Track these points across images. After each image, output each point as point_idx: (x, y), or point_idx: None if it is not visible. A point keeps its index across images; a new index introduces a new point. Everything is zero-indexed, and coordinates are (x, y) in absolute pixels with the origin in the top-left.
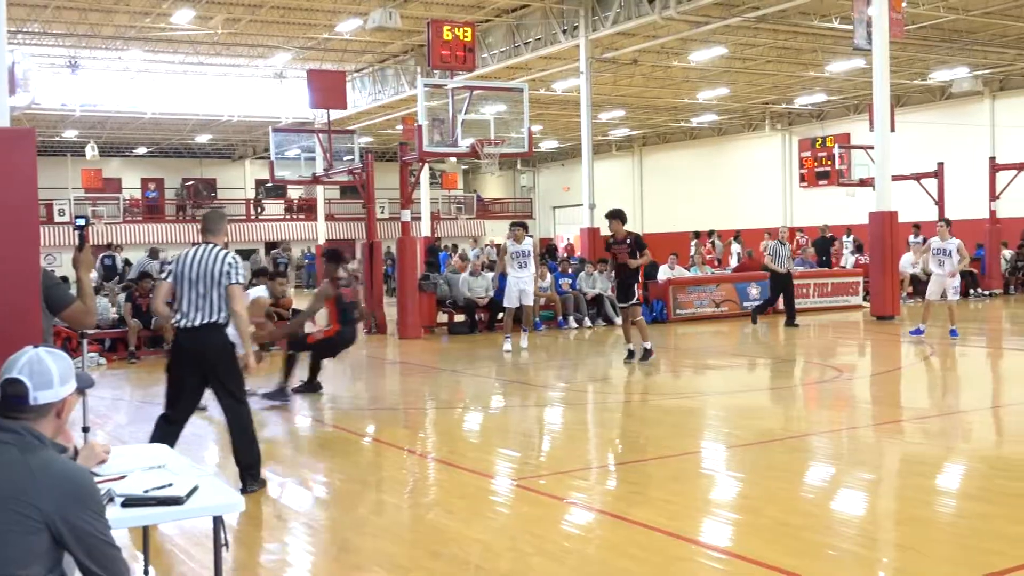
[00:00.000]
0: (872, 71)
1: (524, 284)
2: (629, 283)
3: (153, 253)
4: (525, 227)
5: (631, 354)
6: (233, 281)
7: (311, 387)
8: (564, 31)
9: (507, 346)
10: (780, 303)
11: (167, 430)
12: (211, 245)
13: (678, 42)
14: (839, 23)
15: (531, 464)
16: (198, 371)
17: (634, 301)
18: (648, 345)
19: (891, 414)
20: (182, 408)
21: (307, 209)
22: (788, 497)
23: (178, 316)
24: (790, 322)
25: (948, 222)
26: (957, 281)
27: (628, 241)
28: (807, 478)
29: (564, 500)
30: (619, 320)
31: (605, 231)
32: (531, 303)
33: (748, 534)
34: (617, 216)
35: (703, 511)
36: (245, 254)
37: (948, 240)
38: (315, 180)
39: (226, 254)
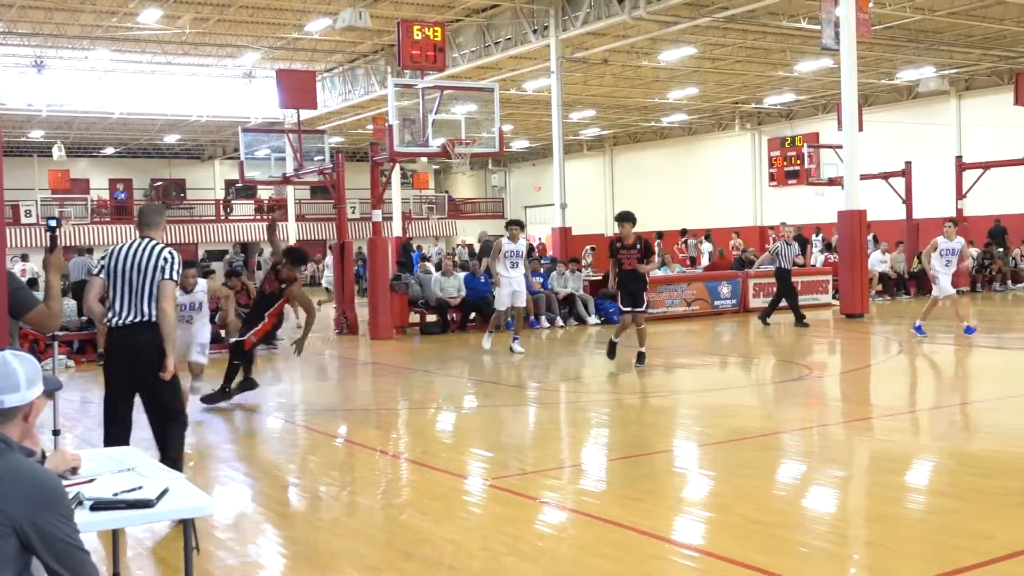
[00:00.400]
0: (840, 71)
1: (517, 285)
2: (638, 289)
3: (82, 252)
4: (522, 226)
5: (613, 347)
6: (167, 276)
7: (250, 384)
8: (534, 31)
9: (487, 343)
10: (747, 302)
11: (111, 436)
12: (147, 239)
13: (648, 42)
14: (807, 23)
15: (504, 464)
16: (129, 373)
17: (643, 308)
18: (643, 350)
19: (861, 411)
20: (121, 413)
21: (277, 210)
22: (759, 495)
23: (110, 314)
24: (764, 317)
25: (955, 222)
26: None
27: (638, 246)
28: (778, 476)
29: (537, 500)
30: (592, 319)
31: (577, 231)
32: (523, 304)
33: (720, 532)
34: (628, 219)
35: (675, 509)
36: (217, 255)
37: (956, 240)
38: (285, 180)
39: (162, 248)
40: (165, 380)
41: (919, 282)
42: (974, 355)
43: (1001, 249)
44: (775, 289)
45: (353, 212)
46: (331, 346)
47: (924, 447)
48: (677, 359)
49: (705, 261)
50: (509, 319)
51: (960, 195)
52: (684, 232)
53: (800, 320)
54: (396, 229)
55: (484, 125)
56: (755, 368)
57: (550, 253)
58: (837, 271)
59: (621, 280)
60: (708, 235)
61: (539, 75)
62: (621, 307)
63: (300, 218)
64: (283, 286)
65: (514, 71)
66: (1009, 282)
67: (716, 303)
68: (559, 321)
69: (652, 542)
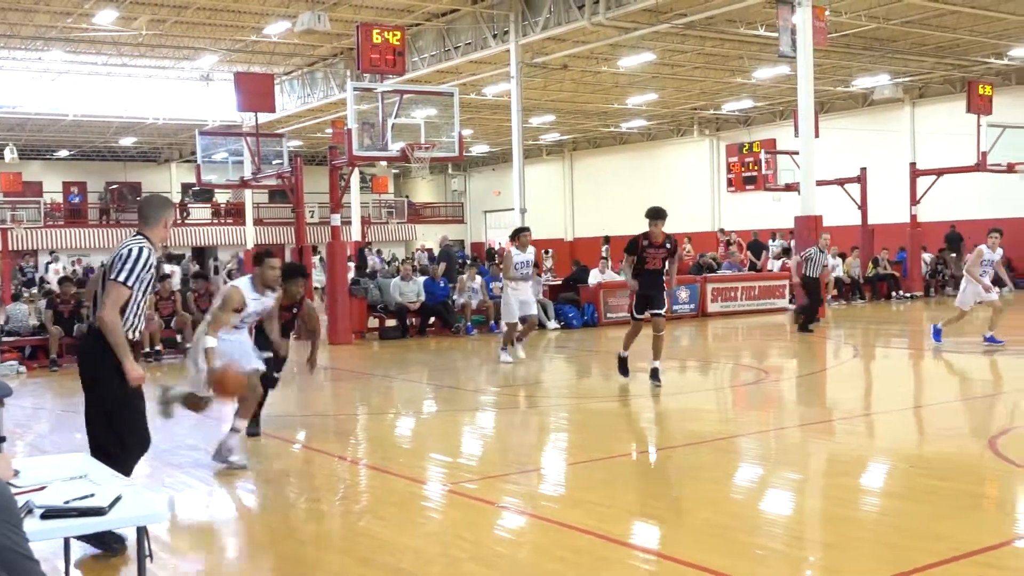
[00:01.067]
0: (796, 78)
1: (524, 295)
2: (659, 291)
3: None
4: (529, 231)
5: (624, 363)
6: (113, 276)
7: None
8: (495, 36)
9: (506, 357)
10: (705, 306)
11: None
12: (134, 235)
13: (607, 48)
14: (764, 31)
15: (463, 469)
16: (85, 388)
17: (663, 311)
18: (659, 365)
19: (817, 415)
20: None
21: (235, 213)
22: (717, 498)
23: None
24: (807, 325)
25: (1001, 232)
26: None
27: (667, 245)
28: (736, 479)
29: (496, 504)
30: (552, 324)
31: (537, 235)
32: (535, 312)
33: (677, 535)
34: (661, 216)
35: (633, 513)
36: (175, 259)
37: (997, 249)
38: (243, 184)
39: (129, 242)
40: (115, 404)
41: (874, 287)
42: (928, 359)
43: (954, 255)
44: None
45: (312, 216)
46: (290, 351)
47: (879, 449)
48: (636, 363)
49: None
50: (469, 323)
51: (914, 201)
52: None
53: (805, 326)
54: (355, 233)
55: (444, 129)
56: (713, 372)
57: None
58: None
59: (642, 281)
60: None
61: (499, 80)
62: (635, 314)
63: (258, 222)
64: (294, 311)
65: (474, 76)
66: None
67: (675, 308)
68: (519, 325)
69: (610, 546)
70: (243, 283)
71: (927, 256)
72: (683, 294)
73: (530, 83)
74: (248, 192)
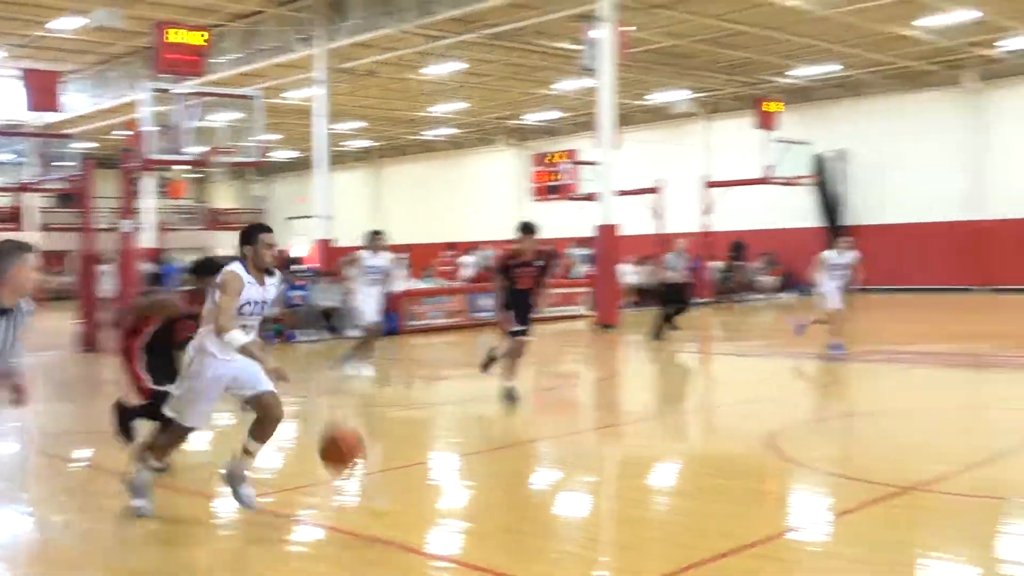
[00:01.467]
0: (598, 91)
1: (373, 304)
2: (528, 312)
3: None
4: (383, 236)
5: (511, 393)
6: None
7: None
8: (301, 39)
9: (365, 370)
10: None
11: None
12: None
13: (416, 55)
14: (569, 44)
15: (258, 482)
16: None
17: (528, 332)
18: (515, 384)
19: (611, 418)
20: None
21: (16, 218)
22: (514, 503)
23: None
24: (671, 327)
25: (849, 237)
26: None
27: (539, 263)
28: (532, 484)
29: (292, 517)
30: (356, 332)
31: (344, 242)
32: (379, 325)
33: (475, 541)
34: (532, 231)
35: (431, 521)
36: None
37: (846, 254)
38: (23, 188)
39: None
40: None
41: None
42: (715, 362)
43: (740, 263)
44: (676, 299)
45: (104, 223)
46: (73, 365)
47: (670, 451)
48: (437, 371)
49: (470, 274)
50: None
51: (706, 212)
52: (452, 246)
53: (657, 334)
54: (150, 240)
55: (246, 134)
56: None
57: (312, 265)
58: (593, 283)
59: (511, 300)
60: (475, 248)
61: (304, 84)
62: (513, 327)
63: (45, 228)
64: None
65: (279, 80)
66: (747, 293)
67: (477, 315)
68: (319, 335)
69: (408, 555)
70: (235, 266)
71: (717, 264)
72: (485, 301)
73: (337, 88)
74: (31, 196)
